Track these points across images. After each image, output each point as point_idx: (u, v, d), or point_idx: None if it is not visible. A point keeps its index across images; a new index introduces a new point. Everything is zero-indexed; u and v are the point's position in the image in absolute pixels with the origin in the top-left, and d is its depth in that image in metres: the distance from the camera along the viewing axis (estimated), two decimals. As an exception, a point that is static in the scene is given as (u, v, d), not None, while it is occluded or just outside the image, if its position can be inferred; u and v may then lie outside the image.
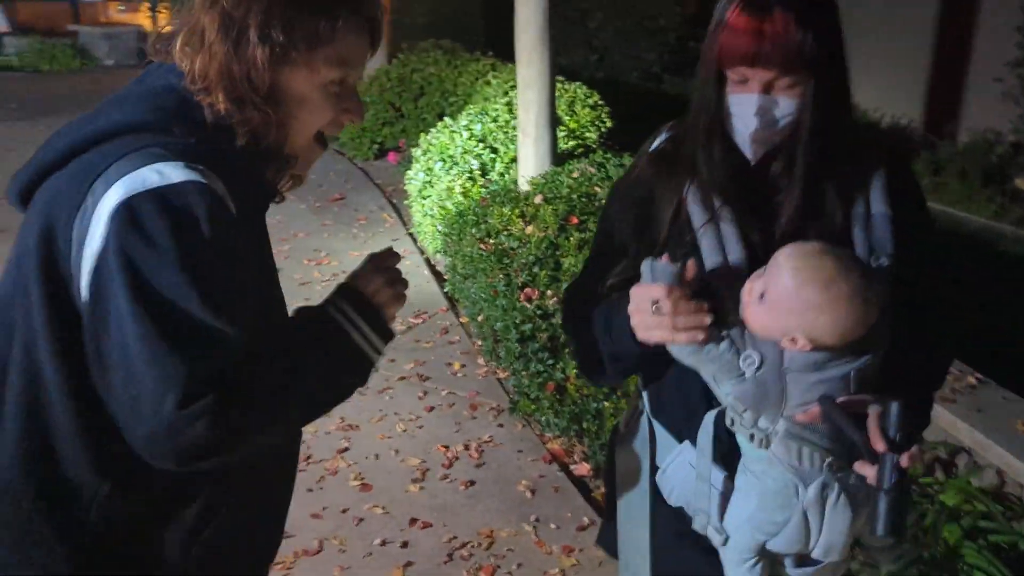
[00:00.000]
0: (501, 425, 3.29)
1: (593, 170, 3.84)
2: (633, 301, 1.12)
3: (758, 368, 1.13)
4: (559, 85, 5.41)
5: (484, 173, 4.55)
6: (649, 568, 1.34)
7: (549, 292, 3.18)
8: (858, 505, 1.19)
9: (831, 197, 1.21)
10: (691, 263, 1.12)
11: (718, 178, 1.20)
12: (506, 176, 4.42)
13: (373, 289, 1.13)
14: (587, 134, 4.81)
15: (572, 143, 4.67)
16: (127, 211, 0.92)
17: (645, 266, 1.12)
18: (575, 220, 3.35)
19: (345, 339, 1.08)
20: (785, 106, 1.15)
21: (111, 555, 1.05)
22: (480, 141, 4.72)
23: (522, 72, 4.01)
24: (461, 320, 4.15)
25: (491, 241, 3.43)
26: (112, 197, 0.94)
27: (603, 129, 4.92)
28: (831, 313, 1.09)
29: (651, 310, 1.09)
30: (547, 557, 2.59)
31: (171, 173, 0.95)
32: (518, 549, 2.62)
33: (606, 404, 2.88)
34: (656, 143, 1.32)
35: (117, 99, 1.07)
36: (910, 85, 7.29)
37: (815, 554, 1.22)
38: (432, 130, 5.08)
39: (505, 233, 3.42)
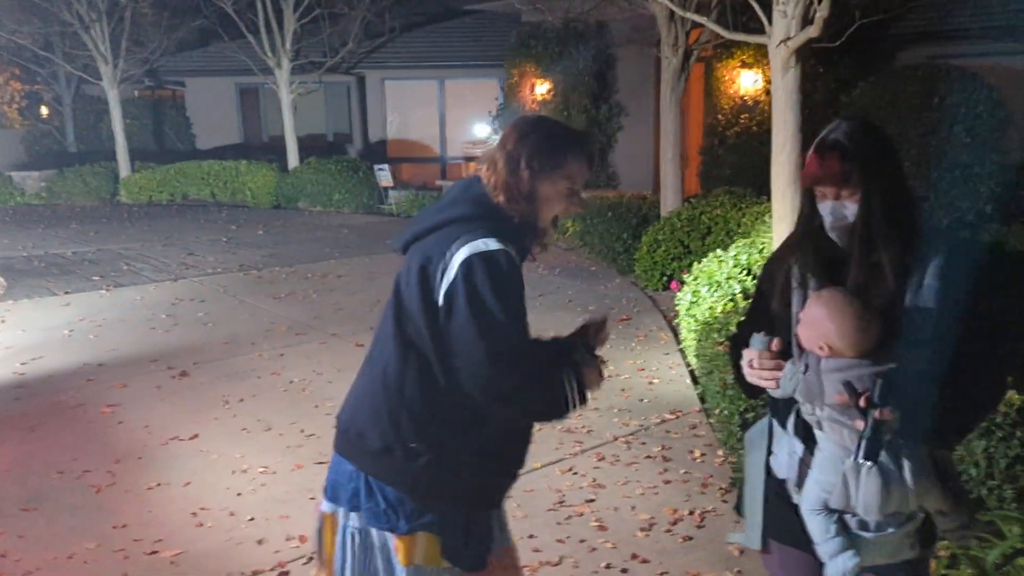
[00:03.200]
0: (725, 501, 3.79)
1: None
2: (743, 358, 1.85)
3: (805, 371, 1.75)
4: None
5: (746, 297, 5.14)
6: (760, 520, 1.95)
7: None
8: (886, 476, 1.70)
9: (887, 269, 1.76)
10: (777, 340, 1.80)
11: (807, 257, 1.85)
12: (764, 299, 4.96)
13: (588, 371, 1.91)
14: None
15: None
16: (469, 262, 1.81)
17: (752, 337, 1.83)
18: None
19: (562, 390, 1.85)
20: (851, 208, 1.77)
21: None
22: (745, 270, 5.35)
23: (776, 207, 4.66)
24: (710, 420, 4.71)
25: (727, 343, 4.03)
26: (461, 254, 1.82)
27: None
28: (835, 325, 1.69)
29: (748, 365, 1.82)
30: (740, 599, 3.05)
31: (491, 243, 1.83)
32: (717, 589, 3.11)
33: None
34: None
35: (459, 200, 1.94)
36: None
37: (859, 511, 1.74)
38: (704, 259, 5.81)
39: (741, 338, 4.01)
